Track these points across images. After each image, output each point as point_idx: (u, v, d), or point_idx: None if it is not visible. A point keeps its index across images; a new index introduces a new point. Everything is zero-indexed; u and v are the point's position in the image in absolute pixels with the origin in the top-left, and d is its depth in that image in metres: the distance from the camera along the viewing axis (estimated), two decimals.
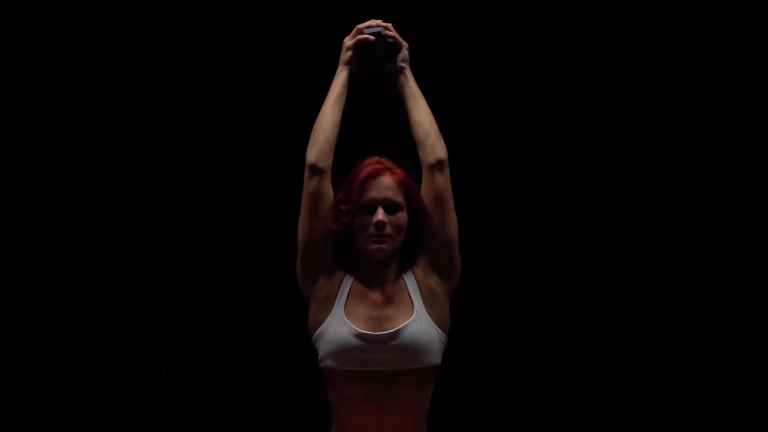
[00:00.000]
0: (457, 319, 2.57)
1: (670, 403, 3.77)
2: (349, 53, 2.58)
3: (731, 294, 3.76)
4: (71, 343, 3.75)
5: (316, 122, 2.53)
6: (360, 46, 2.57)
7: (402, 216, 2.49)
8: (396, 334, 2.46)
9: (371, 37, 2.56)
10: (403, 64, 2.60)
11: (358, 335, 2.45)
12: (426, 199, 2.52)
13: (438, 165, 2.51)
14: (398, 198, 2.49)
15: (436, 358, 2.49)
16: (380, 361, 2.44)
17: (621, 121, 3.77)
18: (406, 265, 2.53)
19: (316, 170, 2.48)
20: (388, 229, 2.47)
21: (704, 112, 3.75)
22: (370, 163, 2.53)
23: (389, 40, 2.57)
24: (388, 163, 2.53)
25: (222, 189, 3.75)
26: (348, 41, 2.58)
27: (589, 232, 3.78)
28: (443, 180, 2.51)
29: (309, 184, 2.49)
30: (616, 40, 3.74)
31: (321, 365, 2.50)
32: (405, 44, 2.60)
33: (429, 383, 2.50)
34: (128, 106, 3.74)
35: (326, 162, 2.49)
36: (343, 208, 2.49)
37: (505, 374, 3.76)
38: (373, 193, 2.48)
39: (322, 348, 2.49)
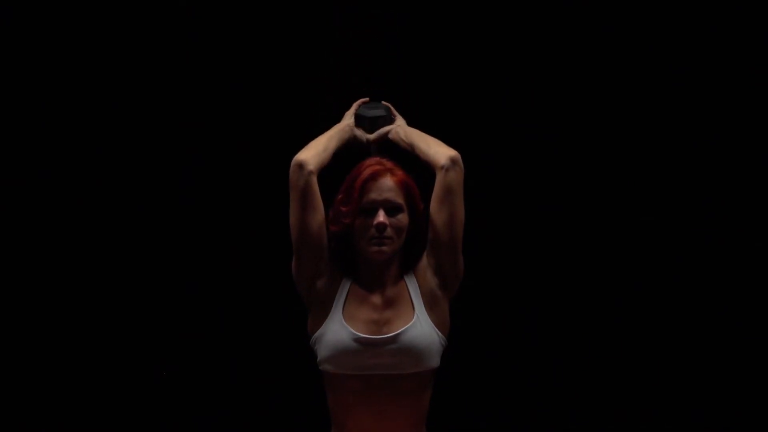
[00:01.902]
0: (456, 321, 2.56)
1: (670, 402, 3.76)
2: (350, 111, 2.70)
3: (731, 294, 3.75)
4: (71, 343, 3.74)
5: (312, 140, 2.56)
6: (360, 105, 2.70)
7: (403, 218, 2.48)
8: (396, 338, 2.45)
9: (368, 99, 2.71)
10: (400, 122, 2.69)
11: (357, 339, 2.45)
12: (436, 198, 2.51)
13: (450, 163, 2.50)
14: (399, 200, 2.48)
15: (435, 361, 2.49)
16: (380, 364, 2.44)
17: (621, 122, 3.76)
18: (407, 267, 2.53)
19: (305, 170, 2.47)
20: (389, 231, 2.46)
21: (704, 112, 3.74)
22: (371, 164, 2.52)
23: (385, 103, 2.71)
24: (389, 164, 2.52)
25: (222, 189, 3.74)
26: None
27: (589, 233, 3.77)
28: (454, 177, 2.50)
29: (298, 182, 2.47)
30: (616, 41, 3.73)
31: (320, 368, 2.50)
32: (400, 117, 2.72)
33: (428, 386, 2.50)
34: (128, 106, 3.73)
35: (315, 167, 2.49)
36: (343, 209, 2.48)
37: (505, 376, 3.76)
38: (373, 195, 2.47)
39: (321, 351, 2.48)
